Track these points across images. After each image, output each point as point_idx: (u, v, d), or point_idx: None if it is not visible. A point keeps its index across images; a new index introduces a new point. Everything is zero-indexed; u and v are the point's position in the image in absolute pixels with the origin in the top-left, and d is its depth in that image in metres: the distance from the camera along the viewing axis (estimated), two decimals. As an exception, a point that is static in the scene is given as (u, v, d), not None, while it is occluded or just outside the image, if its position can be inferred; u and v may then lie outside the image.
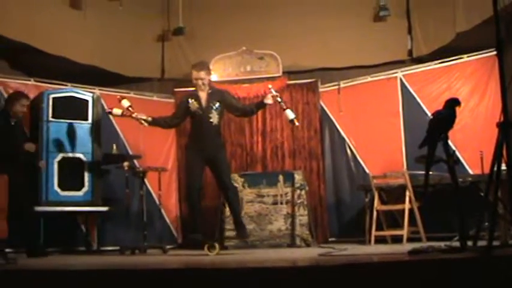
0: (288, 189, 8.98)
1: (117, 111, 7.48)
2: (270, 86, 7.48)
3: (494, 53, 4.79)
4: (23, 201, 7.44)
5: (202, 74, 7.31)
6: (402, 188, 8.29)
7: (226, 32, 10.47)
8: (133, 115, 7.30)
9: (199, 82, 7.31)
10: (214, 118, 7.27)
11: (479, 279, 3.72)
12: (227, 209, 8.85)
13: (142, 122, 7.31)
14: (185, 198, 7.57)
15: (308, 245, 8.71)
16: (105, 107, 8.34)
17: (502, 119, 4.58)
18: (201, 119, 7.28)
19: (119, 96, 7.65)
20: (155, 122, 7.46)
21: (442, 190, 7.00)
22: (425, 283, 3.74)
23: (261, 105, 7.49)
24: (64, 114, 8.52)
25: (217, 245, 7.01)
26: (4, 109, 7.90)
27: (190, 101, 7.34)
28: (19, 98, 7.89)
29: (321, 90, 10.21)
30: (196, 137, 7.36)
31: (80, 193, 8.53)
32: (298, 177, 9.02)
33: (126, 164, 8.53)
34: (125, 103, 7.40)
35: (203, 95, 7.32)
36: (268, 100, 7.27)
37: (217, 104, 7.31)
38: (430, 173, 5.38)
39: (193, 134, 7.44)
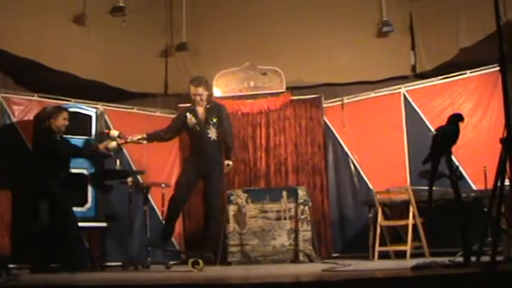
0: (292, 205, 8.95)
1: (112, 144, 7.51)
2: None
3: (497, 68, 4.81)
4: (66, 218, 7.51)
5: (200, 89, 7.29)
6: (406, 204, 8.26)
7: (230, 47, 10.50)
8: (128, 140, 7.35)
9: (197, 98, 7.29)
10: (212, 133, 7.25)
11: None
12: (230, 224, 8.87)
13: (140, 141, 7.35)
14: (167, 207, 7.46)
15: (311, 261, 8.67)
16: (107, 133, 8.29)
17: (505, 134, 4.58)
18: (199, 134, 7.27)
19: (106, 131, 7.68)
20: (151, 138, 7.49)
21: (445, 205, 6.99)
22: (428, 299, 3.73)
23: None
24: (68, 130, 8.50)
25: (201, 261, 6.81)
26: (46, 126, 7.74)
27: (188, 115, 7.33)
28: (60, 111, 7.81)
29: (324, 105, 10.21)
30: (194, 151, 7.36)
31: (83, 209, 8.51)
32: (301, 192, 9.00)
33: (129, 179, 8.52)
34: (114, 133, 7.47)
35: (201, 110, 7.31)
36: None
37: (215, 120, 7.29)
38: (434, 188, 5.38)
39: (192, 149, 7.44)
